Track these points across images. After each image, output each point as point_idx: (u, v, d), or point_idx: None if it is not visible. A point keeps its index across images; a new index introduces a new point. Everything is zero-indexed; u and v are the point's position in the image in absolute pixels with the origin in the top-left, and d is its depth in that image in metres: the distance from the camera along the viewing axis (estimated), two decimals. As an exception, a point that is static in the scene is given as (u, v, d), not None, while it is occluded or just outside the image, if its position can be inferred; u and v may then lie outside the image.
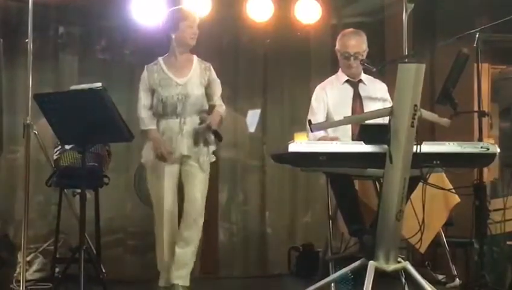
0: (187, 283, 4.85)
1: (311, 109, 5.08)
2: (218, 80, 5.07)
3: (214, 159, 5.04)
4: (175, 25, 4.96)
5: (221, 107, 5.03)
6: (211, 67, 5.06)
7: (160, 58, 5.03)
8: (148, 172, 5.02)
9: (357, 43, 5.01)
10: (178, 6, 5.25)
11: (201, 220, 4.90)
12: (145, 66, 5.04)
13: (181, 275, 4.83)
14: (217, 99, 5.04)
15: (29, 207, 5.29)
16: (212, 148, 5.01)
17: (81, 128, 4.20)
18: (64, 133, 4.37)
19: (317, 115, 4.98)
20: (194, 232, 4.87)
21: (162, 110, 4.90)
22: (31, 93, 5.14)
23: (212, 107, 5.00)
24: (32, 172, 5.34)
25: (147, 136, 4.94)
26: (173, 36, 4.98)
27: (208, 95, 5.01)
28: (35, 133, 5.28)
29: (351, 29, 5.14)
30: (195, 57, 5.05)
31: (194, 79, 4.95)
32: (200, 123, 4.87)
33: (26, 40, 5.31)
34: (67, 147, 5.50)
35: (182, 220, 4.90)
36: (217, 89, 5.05)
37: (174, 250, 4.85)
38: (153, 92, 4.94)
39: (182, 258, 4.83)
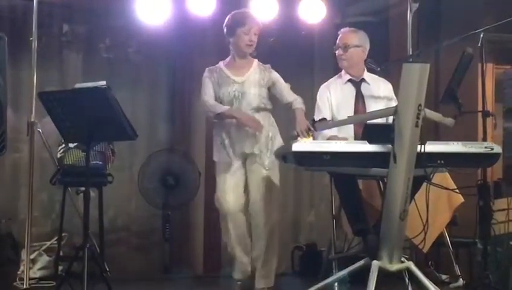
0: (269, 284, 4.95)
1: (317, 108, 5.09)
2: (282, 81, 5.08)
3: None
4: (232, 30, 5.01)
5: (296, 101, 5.01)
6: (271, 68, 5.10)
7: (220, 62, 5.10)
8: (218, 170, 5.04)
9: (347, 36, 5.07)
10: (242, 9, 5.24)
11: (262, 223, 4.91)
12: (207, 69, 5.09)
13: (261, 276, 4.94)
14: (289, 95, 5.04)
15: (33, 205, 5.31)
16: (278, 142, 4.99)
17: (85, 126, 4.20)
18: (68, 132, 4.37)
19: (324, 114, 4.99)
20: (257, 236, 4.93)
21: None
22: (36, 91, 5.16)
23: (289, 105, 5.02)
24: (36, 170, 5.36)
25: (226, 116, 4.91)
26: (230, 40, 5.03)
27: (278, 95, 5.05)
28: (39, 131, 5.30)
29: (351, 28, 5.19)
30: (255, 61, 5.09)
31: (252, 78, 5.00)
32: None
33: (31, 38, 5.32)
34: (71, 145, 5.52)
35: None
36: (283, 86, 5.06)
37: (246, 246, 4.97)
38: (214, 88, 5.02)
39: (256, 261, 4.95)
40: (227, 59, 5.10)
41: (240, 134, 4.92)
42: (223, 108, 4.90)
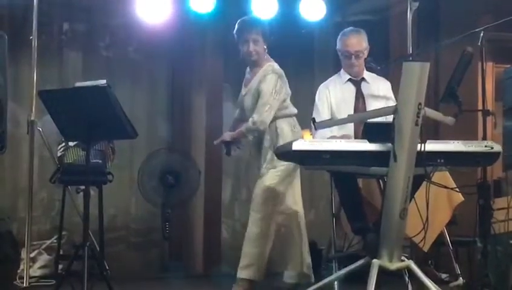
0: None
1: (315, 107, 5.08)
2: (267, 89, 4.92)
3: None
4: (237, 38, 5.06)
5: (249, 122, 4.91)
6: (268, 76, 4.96)
7: None
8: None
9: (357, 42, 5.01)
10: (246, 16, 5.28)
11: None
12: None
13: None
14: (251, 117, 4.92)
15: (33, 204, 5.32)
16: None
17: (85, 125, 4.20)
18: (68, 130, 4.37)
19: (321, 113, 4.98)
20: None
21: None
22: (36, 89, 5.16)
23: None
24: (36, 169, 5.36)
25: None
26: (240, 52, 5.07)
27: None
28: (39, 129, 5.30)
29: (350, 28, 5.14)
30: (266, 66, 5.02)
31: (252, 88, 5.01)
32: None
33: (31, 37, 5.32)
34: (71, 143, 5.51)
35: None
36: (260, 99, 4.93)
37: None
38: None
39: None
40: None
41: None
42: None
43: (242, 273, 4.89)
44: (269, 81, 4.94)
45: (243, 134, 5.00)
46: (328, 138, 4.69)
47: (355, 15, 7.10)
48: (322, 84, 5.19)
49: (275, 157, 4.74)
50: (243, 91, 5.11)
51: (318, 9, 6.60)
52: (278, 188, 4.91)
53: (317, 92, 5.15)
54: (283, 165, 4.88)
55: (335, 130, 4.84)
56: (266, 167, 4.95)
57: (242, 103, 5.12)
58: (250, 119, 4.91)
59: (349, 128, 4.90)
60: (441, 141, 4.18)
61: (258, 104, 4.92)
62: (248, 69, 5.15)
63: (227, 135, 5.06)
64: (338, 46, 5.09)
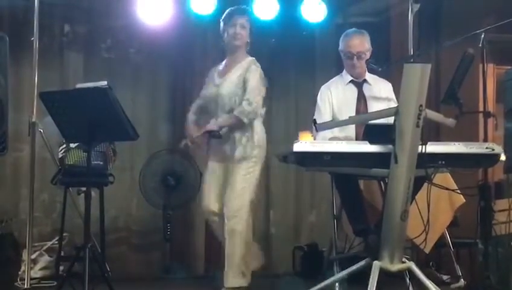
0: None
1: (317, 108, 5.08)
2: (256, 81, 4.92)
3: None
4: (222, 28, 5.08)
5: (238, 111, 4.88)
6: (253, 67, 4.97)
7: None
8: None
9: (359, 43, 5.01)
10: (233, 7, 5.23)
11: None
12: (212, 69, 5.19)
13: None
14: (244, 100, 4.90)
15: (34, 205, 5.31)
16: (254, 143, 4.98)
17: (87, 126, 4.20)
18: (69, 132, 4.37)
19: (323, 114, 4.99)
20: None
21: (205, 110, 5.06)
22: (37, 91, 5.15)
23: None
24: (37, 170, 5.36)
25: None
26: (223, 38, 5.08)
27: (240, 96, 4.95)
28: (40, 131, 5.30)
29: (353, 29, 5.14)
30: (246, 59, 5.04)
31: (230, 78, 4.97)
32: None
33: (32, 38, 5.32)
34: (72, 145, 5.51)
35: None
36: (249, 89, 4.91)
37: None
38: None
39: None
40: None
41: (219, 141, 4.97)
42: (187, 123, 5.03)
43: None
44: (255, 72, 4.97)
45: (236, 119, 4.88)
46: (329, 139, 4.70)
47: (356, 16, 7.10)
48: (323, 85, 5.19)
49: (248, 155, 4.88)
50: (217, 81, 5.02)
51: (319, 11, 6.60)
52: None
53: (319, 93, 5.15)
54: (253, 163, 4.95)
55: (336, 132, 4.84)
56: (239, 165, 4.93)
57: (215, 93, 4.97)
58: (244, 102, 4.86)
59: (351, 129, 4.90)
60: (442, 143, 4.18)
61: (248, 90, 4.89)
62: (224, 62, 5.12)
63: (213, 125, 4.91)
64: (340, 46, 5.10)
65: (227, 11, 5.14)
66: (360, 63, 5.01)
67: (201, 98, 5.15)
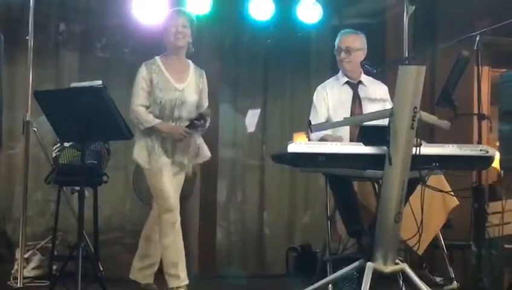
0: None
1: (313, 108, 5.09)
2: (207, 89, 5.02)
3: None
4: (164, 28, 4.94)
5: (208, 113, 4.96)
6: (204, 74, 5.01)
7: (157, 58, 4.92)
8: (147, 172, 4.91)
9: (352, 40, 5.05)
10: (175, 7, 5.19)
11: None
12: (143, 64, 4.92)
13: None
14: (207, 107, 4.98)
15: (28, 204, 5.30)
16: (205, 157, 5.04)
17: (81, 126, 4.20)
18: (63, 131, 4.37)
19: (319, 115, 5.00)
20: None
21: (159, 113, 4.82)
22: (31, 90, 5.15)
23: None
24: (31, 169, 5.35)
25: (156, 130, 4.81)
26: (164, 39, 4.94)
27: (198, 104, 4.95)
28: (34, 130, 5.29)
29: (350, 29, 5.17)
30: (191, 63, 4.99)
31: (191, 85, 4.91)
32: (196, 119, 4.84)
33: (27, 37, 5.31)
34: (66, 144, 5.49)
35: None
36: (205, 98, 5.00)
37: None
38: (149, 92, 4.85)
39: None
40: (164, 57, 4.93)
41: (174, 145, 4.86)
42: (154, 122, 4.80)
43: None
44: (206, 82, 5.00)
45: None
46: (320, 139, 4.70)
47: (352, 18, 7.11)
48: (320, 86, 5.20)
49: None
50: (179, 86, 4.84)
51: (315, 12, 6.59)
52: None
53: (315, 92, 5.17)
54: None
55: (330, 131, 4.85)
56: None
57: (178, 98, 4.82)
58: (208, 112, 4.92)
59: (346, 130, 4.90)
60: (436, 145, 4.19)
61: (204, 105, 4.96)
62: (167, 60, 4.92)
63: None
64: (335, 44, 5.13)
65: (172, 10, 5.07)
66: (348, 58, 5.02)
67: (157, 102, 4.83)
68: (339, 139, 4.69)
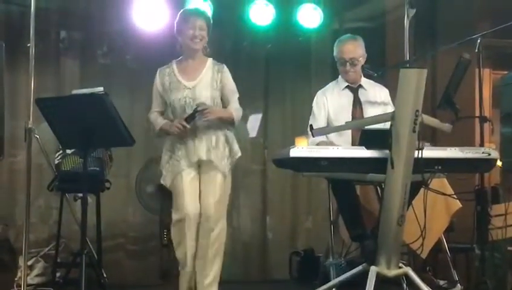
0: None
1: (312, 114, 5.10)
2: (233, 83, 4.87)
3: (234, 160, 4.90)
4: (178, 29, 4.85)
5: (235, 111, 4.82)
6: (224, 68, 4.87)
7: (174, 61, 4.91)
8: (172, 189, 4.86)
9: (352, 49, 5.02)
10: (187, 7, 5.13)
11: (216, 229, 4.73)
12: (158, 69, 4.91)
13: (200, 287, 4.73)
14: (232, 103, 4.84)
15: (30, 211, 5.29)
16: (236, 153, 4.88)
17: (83, 132, 4.20)
18: (65, 138, 4.37)
19: (318, 120, 5.00)
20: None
21: (173, 115, 4.80)
22: (33, 97, 5.15)
23: None
24: (33, 176, 5.34)
25: (164, 132, 4.81)
26: (180, 40, 4.86)
27: (224, 99, 4.85)
28: (36, 137, 5.28)
29: (347, 35, 5.17)
30: (210, 60, 4.88)
31: (204, 82, 4.79)
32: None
33: (28, 44, 5.31)
34: (68, 151, 5.50)
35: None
36: (230, 93, 4.85)
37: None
38: (162, 96, 4.84)
39: (197, 268, 4.72)
40: (180, 60, 4.89)
41: (193, 143, 4.75)
42: (161, 124, 4.78)
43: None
44: (229, 75, 4.88)
45: (230, 118, 4.79)
46: (317, 143, 4.69)
47: (352, 22, 7.12)
48: (319, 91, 5.20)
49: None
50: (188, 84, 4.77)
51: (315, 17, 6.61)
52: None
53: (315, 98, 5.17)
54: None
55: (333, 137, 4.85)
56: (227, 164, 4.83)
57: (188, 96, 4.74)
58: (235, 107, 4.82)
59: (347, 135, 4.91)
60: (439, 148, 4.19)
61: (230, 99, 4.83)
62: (182, 62, 4.88)
63: (213, 112, 4.70)
64: (335, 52, 5.11)
65: (187, 10, 5.00)
66: (353, 69, 5.02)
67: (170, 104, 4.81)
68: (331, 144, 4.67)
